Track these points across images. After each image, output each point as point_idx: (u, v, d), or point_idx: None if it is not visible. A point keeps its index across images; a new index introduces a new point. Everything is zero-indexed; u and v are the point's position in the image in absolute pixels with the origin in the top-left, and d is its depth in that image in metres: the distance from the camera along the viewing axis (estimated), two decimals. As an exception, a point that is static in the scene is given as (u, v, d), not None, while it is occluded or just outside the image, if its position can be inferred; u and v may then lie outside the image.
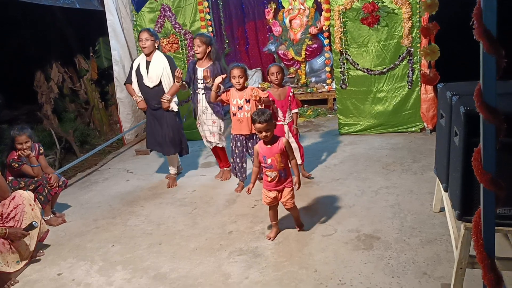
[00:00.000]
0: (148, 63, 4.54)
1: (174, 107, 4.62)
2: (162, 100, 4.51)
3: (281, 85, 4.34)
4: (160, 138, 4.69)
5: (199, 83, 4.54)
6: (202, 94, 4.54)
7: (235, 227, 3.72)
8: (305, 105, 7.35)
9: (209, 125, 4.63)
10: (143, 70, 4.53)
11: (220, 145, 4.71)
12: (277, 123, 4.24)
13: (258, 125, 3.23)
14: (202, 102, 4.57)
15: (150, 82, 4.52)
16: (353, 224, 3.51)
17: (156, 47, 4.56)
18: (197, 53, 4.45)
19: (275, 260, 3.14)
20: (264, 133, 3.23)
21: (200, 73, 4.49)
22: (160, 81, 4.53)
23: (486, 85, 1.55)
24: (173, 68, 4.54)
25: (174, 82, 4.53)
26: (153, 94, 4.56)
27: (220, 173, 4.93)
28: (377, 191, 4.04)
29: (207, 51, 4.45)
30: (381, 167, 4.62)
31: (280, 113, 4.27)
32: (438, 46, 3.79)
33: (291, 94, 4.32)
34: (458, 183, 2.25)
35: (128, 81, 4.73)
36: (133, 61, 4.81)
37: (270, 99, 4.20)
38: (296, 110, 4.38)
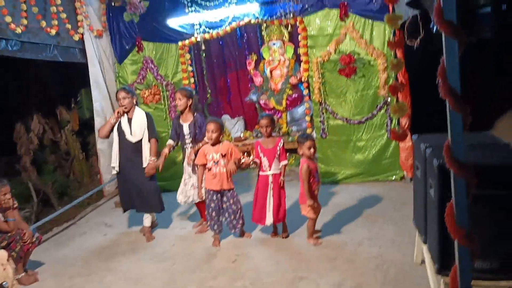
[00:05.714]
0: (129, 119, 4.60)
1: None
2: (148, 167, 4.54)
3: (271, 135, 4.29)
4: (138, 196, 4.64)
5: (186, 138, 4.63)
6: (190, 147, 4.63)
7: (215, 283, 3.59)
8: (287, 154, 7.36)
9: (194, 180, 4.64)
10: (125, 127, 4.58)
11: (196, 201, 4.69)
12: (260, 173, 4.24)
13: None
14: (191, 156, 4.61)
15: (133, 137, 4.56)
16: (335, 278, 3.42)
17: (135, 103, 4.62)
18: (179, 106, 4.58)
19: (255, 318, 3.03)
20: None
21: (186, 128, 4.62)
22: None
23: (454, 140, 1.58)
24: (150, 124, 4.61)
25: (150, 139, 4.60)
26: (134, 148, 4.59)
27: (199, 223, 4.88)
28: (359, 243, 3.99)
29: (188, 104, 4.59)
30: (363, 217, 4.59)
31: (265, 162, 4.19)
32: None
33: (280, 144, 4.23)
34: (435, 236, 2.24)
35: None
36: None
37: (259, 150, 4.22)
38: (285, 162, 4.26)
